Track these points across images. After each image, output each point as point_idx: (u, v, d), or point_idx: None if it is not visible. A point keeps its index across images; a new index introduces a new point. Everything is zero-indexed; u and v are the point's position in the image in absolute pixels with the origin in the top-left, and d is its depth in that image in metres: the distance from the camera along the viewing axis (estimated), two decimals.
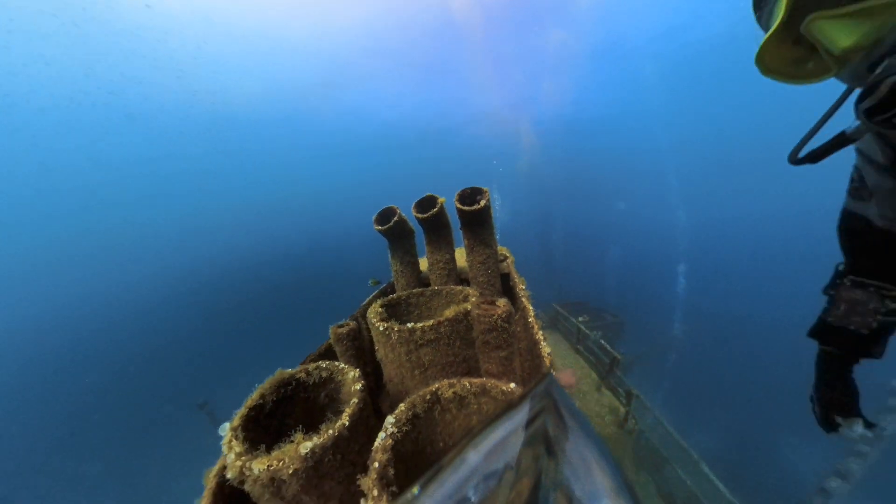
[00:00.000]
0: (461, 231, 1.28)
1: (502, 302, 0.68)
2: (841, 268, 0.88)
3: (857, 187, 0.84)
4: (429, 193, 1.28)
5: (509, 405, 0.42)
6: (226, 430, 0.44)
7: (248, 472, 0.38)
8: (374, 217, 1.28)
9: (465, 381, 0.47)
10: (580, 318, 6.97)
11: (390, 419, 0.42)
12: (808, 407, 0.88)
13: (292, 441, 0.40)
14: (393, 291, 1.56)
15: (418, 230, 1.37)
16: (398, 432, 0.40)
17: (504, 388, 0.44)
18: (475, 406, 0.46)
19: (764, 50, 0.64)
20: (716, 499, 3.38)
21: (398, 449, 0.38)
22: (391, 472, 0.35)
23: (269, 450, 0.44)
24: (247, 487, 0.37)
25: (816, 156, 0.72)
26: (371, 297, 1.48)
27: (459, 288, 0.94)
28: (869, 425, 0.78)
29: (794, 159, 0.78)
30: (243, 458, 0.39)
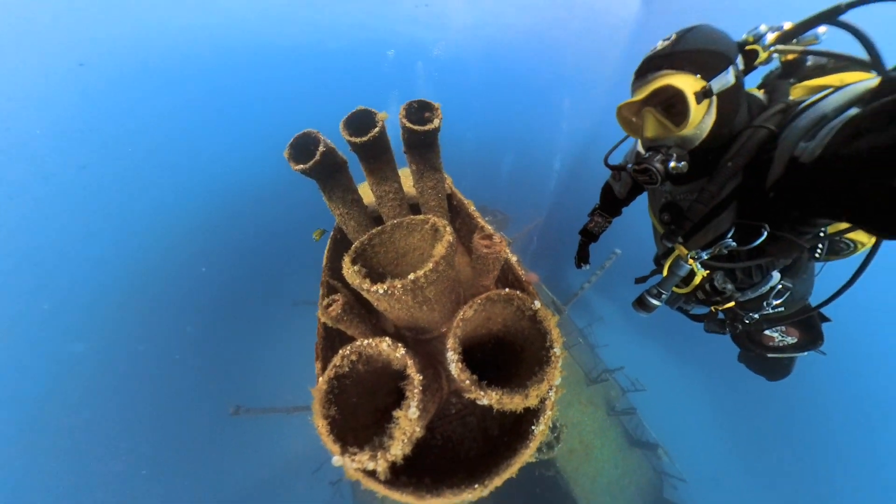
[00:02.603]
0: (405, 154, 1.05)
1: (499, 237, 0.72)
2: (596, 206, 1.65)
3: (615, 174, 1.49)
4: (361, 106, 0.89)
5: (508, 299, 0.59)
6: (340, 461, 0.43)
7: (396, 457, 0.42)
8: (285, 152, 0.84)
9: (477, 300, 0.58)
10: (486, 219, 8.55)
11: (451, 354, 0.50)
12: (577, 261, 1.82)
13: (396, 420, 0.43)
14: (344, 237, 1.30)
15: (350, 157, 1.02)
16: (460, 357, 0.49)
17: (502, 293, 0.60)
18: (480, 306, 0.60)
19: (623, 104, 0.95)
20: (551, 306, 6.10)
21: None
22: (475, 375, 0.48)
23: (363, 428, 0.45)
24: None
25: (616, 170, 1.25)
26: (326, 251, 1.20)
27: (420, 218, 0.84)
28: (587, 265, 1.77)
29: (606, 164, 1.27)
30: (379, 457, 0.42)
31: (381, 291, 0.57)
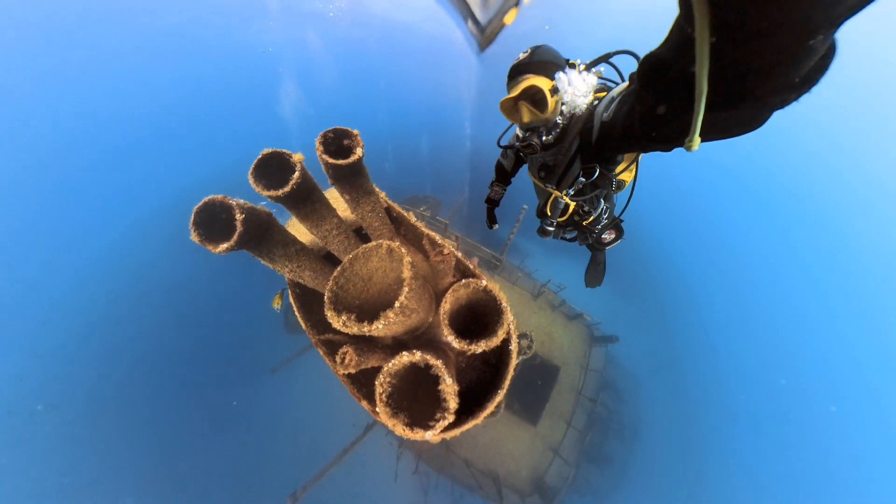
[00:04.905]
0: (335, 186, 0.94)
1: (448, 246, 0.82)
2: (493, 180, 1.99)
3: (504, 153, 1.82)
4: (267, 150, 0.75)
5: (467, 285, 0.75)
6: (430, 436, 0.52)
7: (455, 408, 0.55)
8: (193, 236, 0.65)
9: (448, 295, 0.71)
10: (421, 209, 8.56)
11: (450, 338, 0.64)
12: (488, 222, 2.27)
13: (442, 391, 0.56)
14: (304, 289, 1.14)
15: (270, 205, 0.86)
16: (455, 336, 0.64)
17: (462, 283, 0.74)
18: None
19: (503, 100, 1.26)
20: (492, 260, 6.99)
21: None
22: (468, 339, 0.65)
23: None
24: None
25: (507, 147, 1.64)
26: (297, 313, 1.04)
27: (372, 244, 0.82)
28: (497, 224, 2.26)
29: (498, 144, 1.66)
30: (448, 416, 0.54)
31: (381, 326, 0.61)
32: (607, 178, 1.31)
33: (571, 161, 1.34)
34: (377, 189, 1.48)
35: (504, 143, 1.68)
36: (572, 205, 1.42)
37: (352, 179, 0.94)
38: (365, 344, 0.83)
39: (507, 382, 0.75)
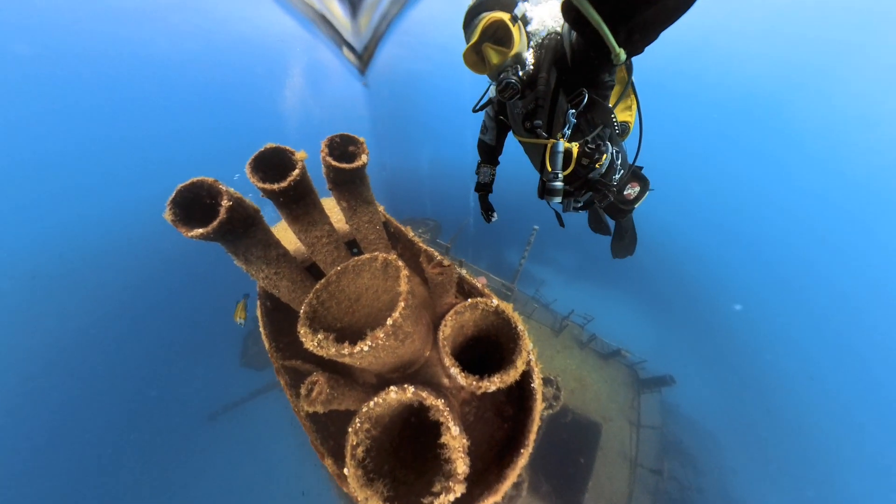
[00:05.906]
0: (333, 192, 0.92)
1: (447, 262, 0.74)
2: (479, 162, 1.87)
3: (483, 128, 1.74)
4: (270, 144, 0.74)
5: (473, 306, 0.62)
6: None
7: (465, 473, 0.41)
8: (167, 213, 0.59)
9: (449, 317, 0.60)
10: (420, 230, 8.78)
11: (453, 371, 0.52)
12: (484, 215, 2.05)
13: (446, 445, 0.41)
14: (276, 303, 1.03)
15: (260, 202, 0.83)
16: (461, 369, 0.52)
17: (466, 303, 0.63)
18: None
19: (465, 52, 1.23)
20: (501, 289, 6.55)
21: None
22: (477, 375, 0.51)
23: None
24: None
25: (479, 108, 1.57)
26: (263, 330, 0.90)
27: (366, 257, 0.73)
28: (494, 215, 1.92)
29: (473, 110, 1.61)
30: (453, 485, 0.40)
31: (366, 348, 0.48)
32: (602, 108, 1.18)
33: (554, 97, 1.22)
34: (377, 204, 1.48)
35: (484, 118, 1.63)
36: (575, 148, 1.22)
37: (351, 186, 0.92)
38: (342, 378, 0.66)
39: (532, 436, 0.56)
